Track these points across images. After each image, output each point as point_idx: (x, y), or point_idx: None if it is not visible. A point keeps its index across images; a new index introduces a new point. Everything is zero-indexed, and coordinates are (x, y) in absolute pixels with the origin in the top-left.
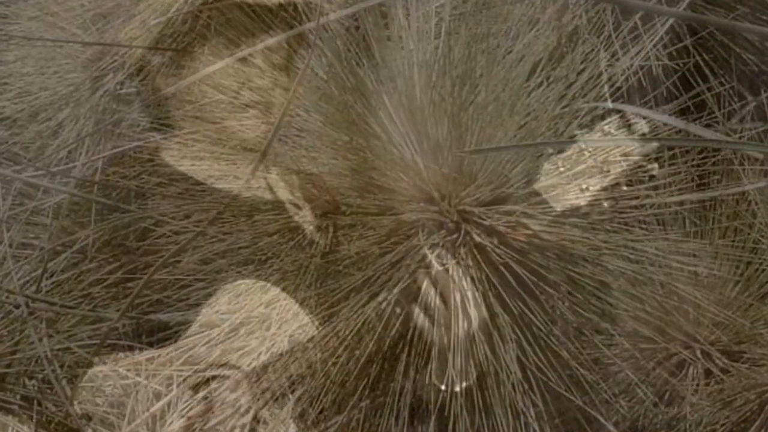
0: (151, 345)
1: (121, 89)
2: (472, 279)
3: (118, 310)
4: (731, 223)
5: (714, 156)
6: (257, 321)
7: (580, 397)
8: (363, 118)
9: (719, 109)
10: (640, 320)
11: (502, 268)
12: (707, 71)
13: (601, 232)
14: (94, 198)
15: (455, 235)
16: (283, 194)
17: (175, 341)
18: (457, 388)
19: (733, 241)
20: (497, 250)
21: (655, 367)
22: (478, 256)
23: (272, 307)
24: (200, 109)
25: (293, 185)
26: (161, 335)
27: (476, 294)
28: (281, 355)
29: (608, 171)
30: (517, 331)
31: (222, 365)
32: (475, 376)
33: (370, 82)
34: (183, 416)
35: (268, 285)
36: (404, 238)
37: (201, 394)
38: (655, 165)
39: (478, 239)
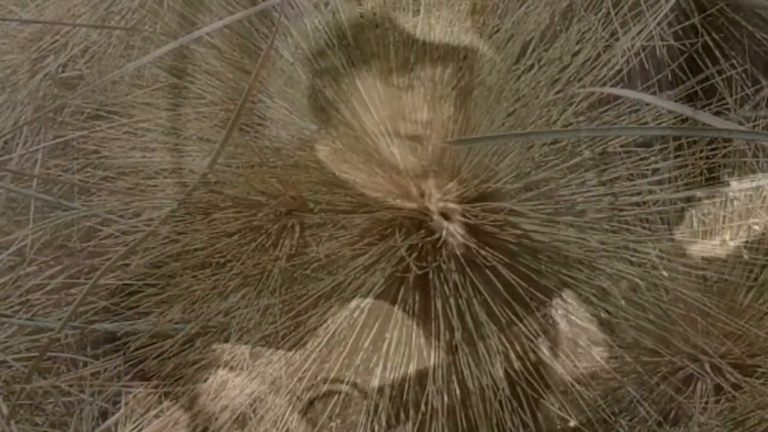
0: (96, 358)
1: (63, 72)
2: (455, 284)
3: (60, 319)
4: (743, 222)
5: (725, 147)
6: (215, 331)
7: (575, 416)
8: (333, 105)
9: (730, 95)
10: (642, 330)
11: (488, 273)
12: (717, 52)
13: (599, 232)
14: (33, 194)
15: (436, 236)
16: (244, 190)
17: (124, 354)
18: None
19: (746, 241)
20: (483, 252)
21: (659, 383)
22: (462, 259)
23: (232, 316)
24: (152, 95)
25: (255, 180)
26: (108, 347)
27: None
28: (241, 369)
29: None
30: (505, 343)
31: (175, 380)
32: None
33: (340, 64)
34: None
35: (227, 291)
36: (379, 239)
37: (152, 413)
38: None
39: (461, 240)
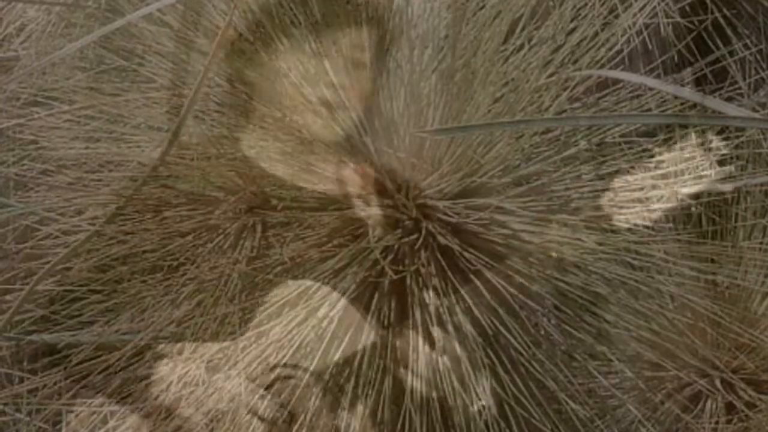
0: (34, 373)
1: None
2: (436, 290)
3: None
4: (759, 221)
5: (737, 137)
6: (167, 343)
7: None
8: (299, 90)
9: (744, 78)
10: (644, 342)
11: (472, 277)
12: (729, 31)
13: (596, 232)
14: None
15: (414, 236)
16: (200, 185)
17: (65, 368)
18: None
19: (761, 243)
20: (467, 255)
21: (664, 401)
22: (443, 262)
23: (186, 326)
24: (96, 79)
25: (212, 173)
26: (47, 360)
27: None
28: (196, 385)
29: None
30: (492, 356)
31: (123, 398)
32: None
33: (308, 44)
34: None
35: (180, 297)
36: (350, 240)
37: None
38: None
39: (442, 240)
